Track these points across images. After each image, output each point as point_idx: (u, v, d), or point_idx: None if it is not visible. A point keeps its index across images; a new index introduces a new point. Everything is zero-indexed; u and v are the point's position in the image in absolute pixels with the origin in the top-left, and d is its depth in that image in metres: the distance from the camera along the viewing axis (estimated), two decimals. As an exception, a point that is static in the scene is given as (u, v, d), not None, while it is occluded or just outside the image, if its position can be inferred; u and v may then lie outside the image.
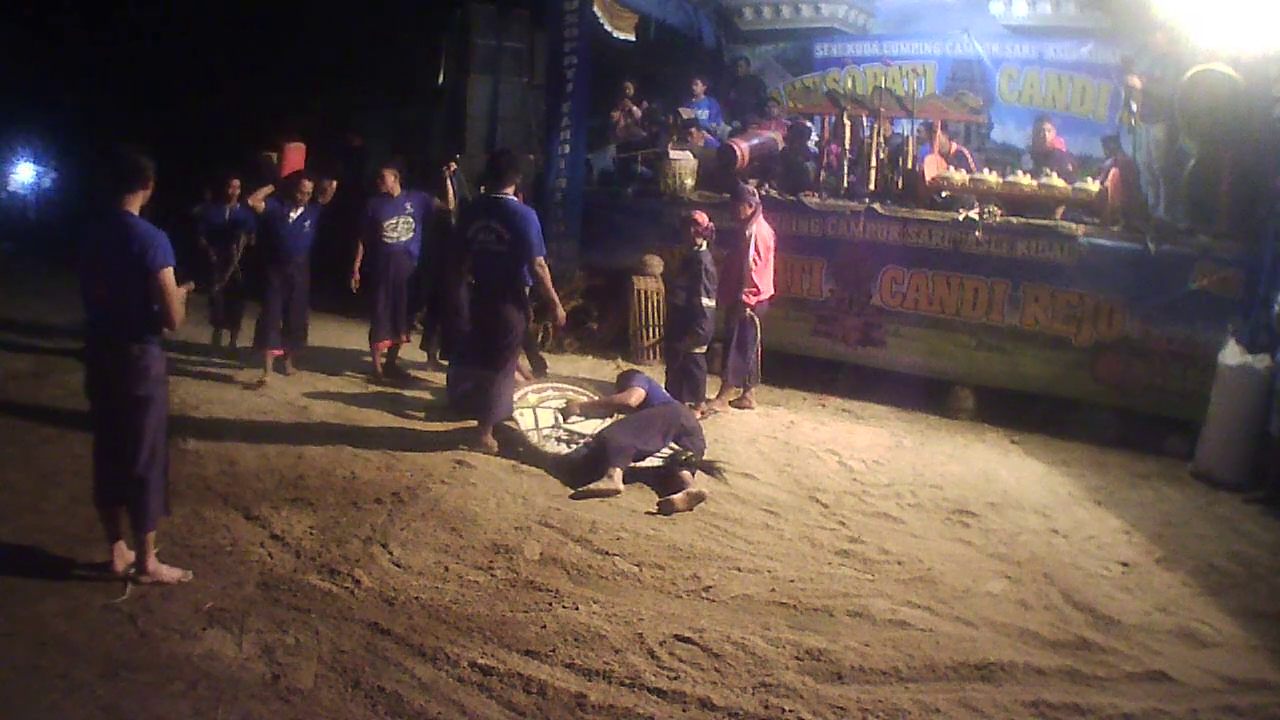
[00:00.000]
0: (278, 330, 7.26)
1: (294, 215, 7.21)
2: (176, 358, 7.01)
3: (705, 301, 6.90)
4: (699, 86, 10.55)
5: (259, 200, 7.16)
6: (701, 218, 7.07)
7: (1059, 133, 8.69)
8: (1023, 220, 7.56)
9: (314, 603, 3.81)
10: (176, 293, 3.73)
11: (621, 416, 5.93)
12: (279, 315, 7.26)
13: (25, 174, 23.38)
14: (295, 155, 9.00)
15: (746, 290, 7.14)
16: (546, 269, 5.81)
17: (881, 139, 8.60)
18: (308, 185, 7.32)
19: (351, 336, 8.58)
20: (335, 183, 7.73)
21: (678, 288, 7.14)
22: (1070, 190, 7.61)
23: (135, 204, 3.77)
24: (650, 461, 5.59)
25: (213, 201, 8.09)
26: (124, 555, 3.89)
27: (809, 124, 9.46)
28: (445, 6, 12.14)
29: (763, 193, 7.90)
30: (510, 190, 5.89)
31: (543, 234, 5.92)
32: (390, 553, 4.29)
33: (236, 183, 7.98)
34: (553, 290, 5.91)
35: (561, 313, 6.21)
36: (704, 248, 7.00)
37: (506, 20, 11.82)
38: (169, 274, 3.70)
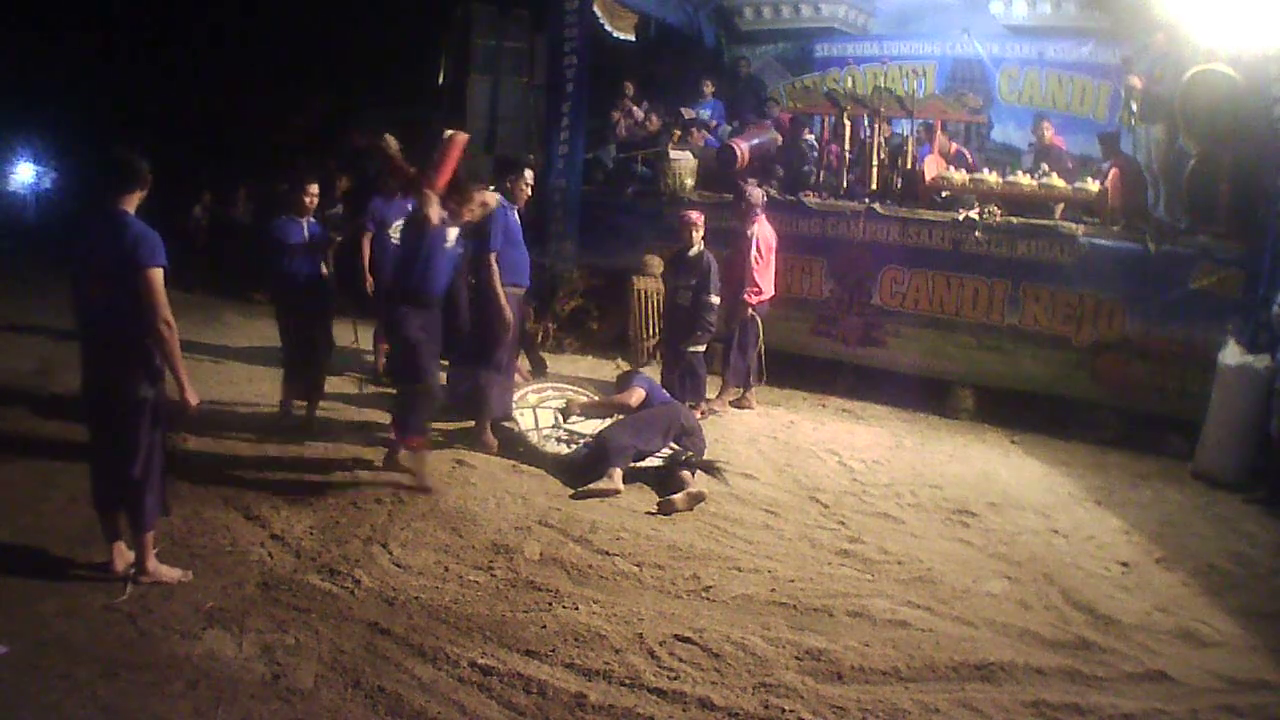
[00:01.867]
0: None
1: (450, 240, 5.24)
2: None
3: (714, 299, 6.90)
4: (708, 87, 10.57)
5: (435, 210, 5.07)
6: (699, 218, 7.07)
7: (1059, 133, 8.71)
8: (1023, 220, 7.57)
9: (314, 603, 3.81)
10: (163, 294, 3.70)
11: (621, 416, 5.93)
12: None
13: (25, 174, 23.43)
14: (457, 152, 5.59)
15: (748, 290, 7.15)
16: (494, 269, 5.66)
17: (881, 139, 8.60)
18: (476, 198, 5.39)
19: (351, 336, 8.55)
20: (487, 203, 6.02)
21: (682, 287, 7.07)
22: (1070, 190, 7.62)
23: (131, 204, 3.77)
24: (650, 461, 5.59)
25: (289, 213, 6.08)
26: (124, 555, 3.89)
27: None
28: (445, 6, 12.17)
29: (763, 191, 7.89)
30: (499, 190, 5.84)
31: (541, 234, 5.88)
32: (390, 553, 4.30)
33: (315, 189, 6.13)
34: (499, 292, 5.68)
35: (509, 315, 5.73)
36: (703, 247, 7.00)
37: (506, 20, 11.84)
38: (157, 274, 3.68)
